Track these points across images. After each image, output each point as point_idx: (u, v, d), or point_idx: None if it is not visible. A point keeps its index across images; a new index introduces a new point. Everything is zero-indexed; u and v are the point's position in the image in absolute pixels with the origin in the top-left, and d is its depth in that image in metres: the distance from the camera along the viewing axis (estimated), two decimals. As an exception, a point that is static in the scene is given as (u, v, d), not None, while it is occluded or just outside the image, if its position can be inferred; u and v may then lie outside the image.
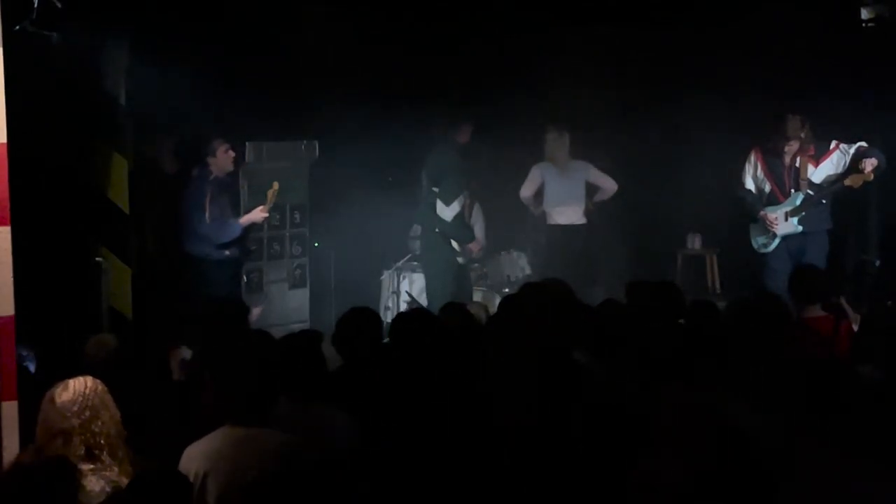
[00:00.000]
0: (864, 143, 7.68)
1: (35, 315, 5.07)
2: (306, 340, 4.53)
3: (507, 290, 8.98)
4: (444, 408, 4.31)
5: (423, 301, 8.71)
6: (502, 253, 9.63)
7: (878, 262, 8.49)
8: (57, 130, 6.68)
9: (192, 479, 3.73)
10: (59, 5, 5.92)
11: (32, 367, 5.47)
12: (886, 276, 8.32)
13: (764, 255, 8.01)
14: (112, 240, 7.12)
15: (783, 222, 7.84)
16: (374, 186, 9.33)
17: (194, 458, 3.87)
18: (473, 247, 8.79)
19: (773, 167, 7.89)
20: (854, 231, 8.87)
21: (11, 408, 4.36)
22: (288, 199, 9.10)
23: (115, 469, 3.83)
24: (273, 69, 8.45)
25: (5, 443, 4.33)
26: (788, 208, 7.83)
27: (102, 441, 3.84)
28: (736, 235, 8.50)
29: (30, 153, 5.52)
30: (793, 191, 7.83)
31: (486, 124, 8.79)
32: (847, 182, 7.67)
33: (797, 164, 7.81)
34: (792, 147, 7.77)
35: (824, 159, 7.77)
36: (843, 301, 5.85)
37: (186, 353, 5.43)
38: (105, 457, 3.83)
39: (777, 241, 7.91)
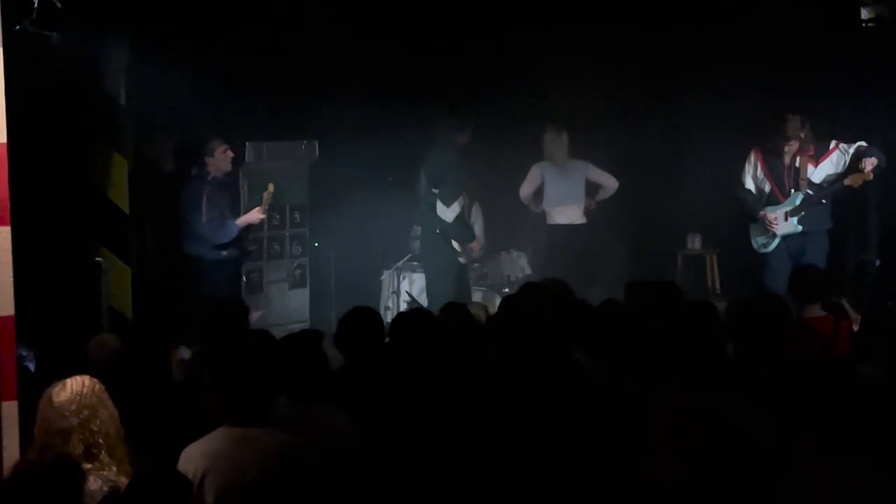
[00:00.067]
0: (863, 143, 7.68)
1: (35, 315, 5.06)
2: (307, 340, 4.54)
3: (507, 290, 8.97)
4: (444, 408, 4.31)
5: (424, 301, 8.70)
6: (502, 253, 9.61)
7: (878, 262, 8.48)
8: (57, 130, 6.69)
9: (191, 478, 3.72)
10: (59, 5, 5.92)
11: (32, 367, 5.46)
12: (886, 276, 8.31)
13: (764, 255, 8.02)
14: (112, 240, 7.13)
15: (783, 222, 7.84)
16: (374, 186, 9.33)
17: (194, 458, 3.87)
18: (475, 246, 8.78)
19: (773, 167, 7.89)
20: (854, 231, 8.86)
21: (11, 408, 4.35)
22: (288, 199, 9.12)
23: (114, 468, 3.84)
24: (273, 69, 8.45)
25: (5, 443, 4.32)
26: (788, 208, 7.83)
27: (101, 440, 3.84)
28: (736, 235, 8.50)
29: (30, 153, 5.52)
30: (793, 191, 7.83)
31: (486, 124, 8.78)
32: (847, 182, 7.67)
33: (797, 164, 7.81)
34: (792, 147, 7.77)
35: (824, 159, 7.77)
36: (843, 301, 5.85)
37: (186, 353, 5.43)
38: (104, 456, 3.84)
39: (777, 240, 7.91)
